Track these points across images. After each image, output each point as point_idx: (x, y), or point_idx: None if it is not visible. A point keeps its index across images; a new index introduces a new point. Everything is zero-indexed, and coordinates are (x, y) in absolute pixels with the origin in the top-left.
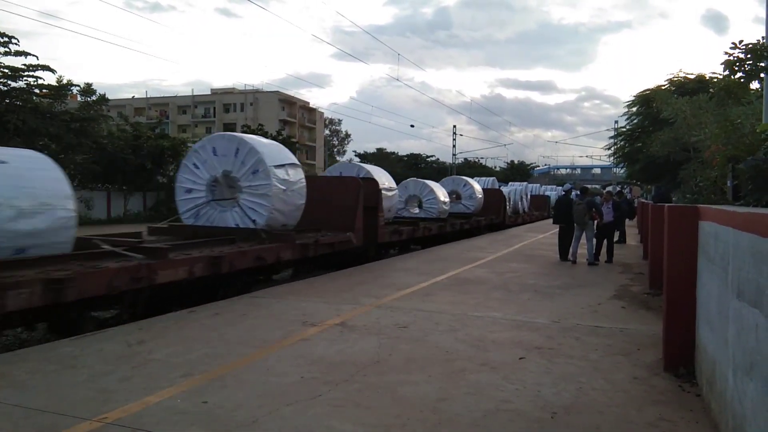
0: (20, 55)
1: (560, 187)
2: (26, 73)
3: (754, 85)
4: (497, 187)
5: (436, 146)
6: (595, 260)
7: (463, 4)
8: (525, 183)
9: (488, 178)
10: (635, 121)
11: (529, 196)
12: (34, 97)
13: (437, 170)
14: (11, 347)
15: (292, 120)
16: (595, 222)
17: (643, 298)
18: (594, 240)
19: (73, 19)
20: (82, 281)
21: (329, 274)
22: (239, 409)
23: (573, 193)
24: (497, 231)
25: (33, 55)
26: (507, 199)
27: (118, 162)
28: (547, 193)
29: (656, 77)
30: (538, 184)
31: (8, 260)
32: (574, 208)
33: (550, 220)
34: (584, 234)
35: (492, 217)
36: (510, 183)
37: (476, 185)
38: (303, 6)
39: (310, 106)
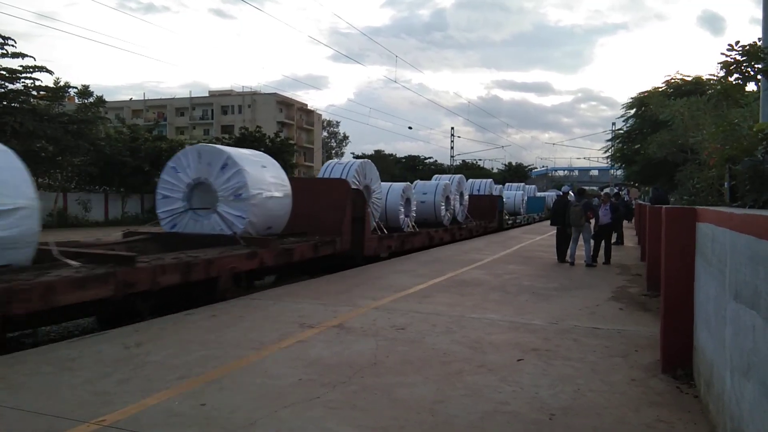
0: (17, 57)
1: (555, 191)
2: (23, 75)
3: (751, 87)
4: (495, 190)
5: (434, 148)
6: (593, 262)
7: (458, 6)
8: (522, 184)
9: (485, 181)
10: (632, 123)
11: (526, 198)
12: (32, 99)
13: (435, 172)
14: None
15: (290, 122)
16: (592, 223)
17: (641, 299)
18: (592, 242)
19: (70, 20)
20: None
21: (326, 277)
22: (236, 412)
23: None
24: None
25: (30, 57)
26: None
27: (116, 164)
28: (540, 194)
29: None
30: (534, 186)
31: None
32: (571, 209)
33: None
34: (581, 236)
35: (483, 222)
36: (507, 184)
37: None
38: (299, 7)
39: (308, 108)
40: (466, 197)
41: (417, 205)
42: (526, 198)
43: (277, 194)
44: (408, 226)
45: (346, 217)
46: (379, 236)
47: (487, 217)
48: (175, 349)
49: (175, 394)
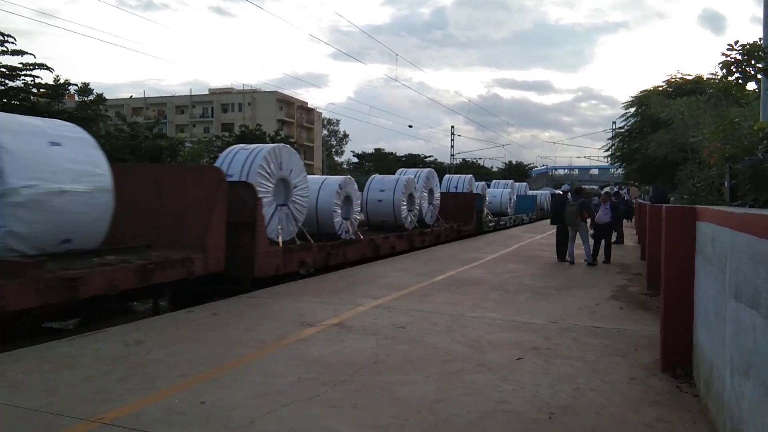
0: (17, 54)
1: (550, 189)
2: (23, 72)
3: (751, 86)
4: (475, 187)
5: (434, 147)
6: (593, 261)
7: (458, 4)
8: (511, 181)
9: (464, 177)
10: (632, 122)
11: (514, 198)
12: (32, 97)
13: (436, 171)
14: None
15: (290, 120)
16: (588, 221)
17: (641, 298)
18: (591, 240)
19: (70, 18)
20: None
21: (326, 275)
22: (237, 410)
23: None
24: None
25: (30, 54)
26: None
27: (116, 161)
28: (532, 193)
29: (653, 78)
30: (525, 183)
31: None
32: (567, 209)
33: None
34: (578, 234)
35: (457, 224)
36: (493, 181)
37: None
38: (300, 5)
39: (308, 106)
40: (437, 195)
41: (372, 205)
42: (514, 197)
43: (78, 188)
44: (348, 231)
45: (214, 221)
46: (286, 248)
47: (462, 218)
48: (175, 348)
49: (175, 392)
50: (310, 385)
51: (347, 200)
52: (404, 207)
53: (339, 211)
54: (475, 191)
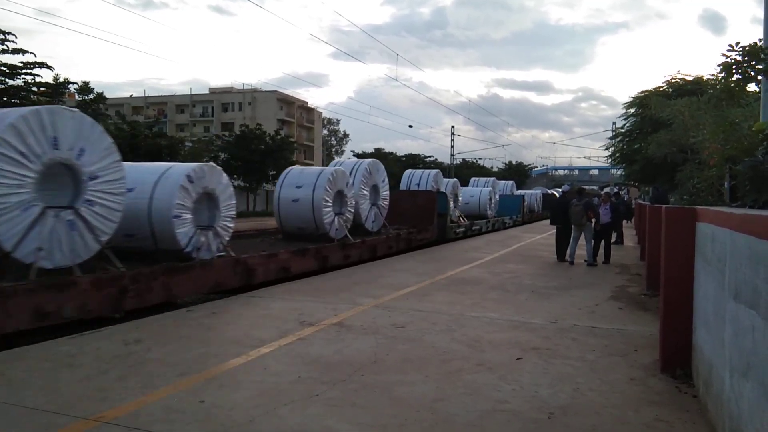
0: (17, 53)
1: (541, 188)
2: (24, 71)
3: (752, 87)
4: (441, 184)
5: (434, 146)
6: (593, 261)
7: (458, 3)
8: (492, 179)
9: (429, 171)
10: (632, 122)
11: (496, 198)
12: (32, 96)
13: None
14: None
15: (291, 120)
16: (593, 222)
17: (641, 299)
18: (592, 241)
19: (71, 17)
20: None
21: (326, 274)
22: (236, 409)
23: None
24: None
25: (30, 53)
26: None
27: None
28: (520, 192)
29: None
30: (511, 182)
31: None
32: (572, 209)
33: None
34: (582, 235)
35: (408, 231)
36: (472, 179)
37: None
38: (300, 5)
39: (309, 105)
40: (385, 194)
41: (287, 207)
42: (496, 197)
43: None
44: (202, 247)
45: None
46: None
47: (421, 222)
48: (174, 346)
49: (175, 391)
50: (309, 384)
51: (201, 200)
52: (328, 209)
53: (188, 217)
54: (444, 189)
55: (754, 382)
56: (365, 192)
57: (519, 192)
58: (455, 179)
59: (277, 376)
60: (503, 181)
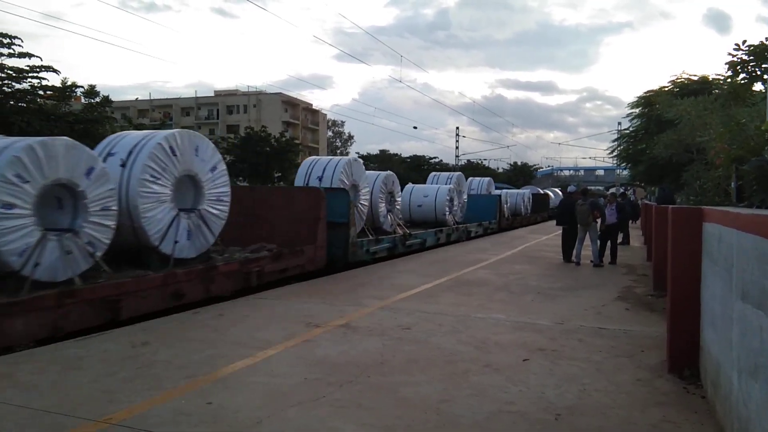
0: (24, 57)
1: (530, 187)
2: (30, 75)
3: (758, 86)
4: (361, 177)
5: (439, 148)
6: (599, 262)
7: (461, 4)
8: (455, 174)
9: (340, 159)
10: (638, 122)
11: (463, 199)
12: (39, 99)
13: (441, 172)
14: None
15: (295, 122)
16: (599, 222)
17: (647, 299)
18: (598, 241)
19: (77, 20)
20: None
21: (331, 276)
22: (243, 410)
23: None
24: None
25: (37, 57)
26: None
27: None
28: (498, 192)
29: (658, 78)
30: (488, 179)
31: None
32: (578, 209)
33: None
34: (588, 235)
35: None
36: (432, 174)
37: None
38: (303, 7)
39: (313, 107)
40: (221, 191)
41: None
42: (461, 198)
43: None
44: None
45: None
46: None
47: (299, 239)
48: (181, 348)
49: (182, 392)
50: (316, 385)
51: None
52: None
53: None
54: (362, 184)
55: (762, 382)
56: (166, 191)
57: (496, 192)
58: (387, 173)
59: (284, 378)
60: (479, 178)
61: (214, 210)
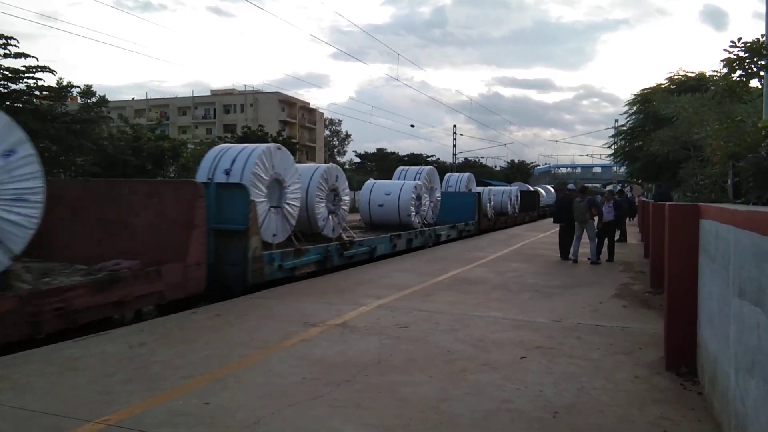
0: (20, 57)
1: (520, 184)
2: (26, 75)
3: (754, 83)
4: (264, 173)
5: (436, 146)
6: (596, 259)
7: (457, 2)
8: (425, 168)
9: (255, 147)
10: (635, 119)
11: (436, 197)
12: (35, 99)
13: (438, 170)
14: None
15: (293, 121)
16: (596, 219)
17: (645, 296)
18: (595, 239)
19: (73, 20)
20: None
21: (328, 275)
22: (241, 410)
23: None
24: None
25: (33, 57)
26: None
27: (119, 163)
28: (479, 188)
29: (656, 75)
30: (468, 174)
31: None
32: (575, 206)
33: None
34: (585, 232)
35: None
36: (399, 169)
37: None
38: (300, 5)
39: (310, 106)
40: (22, 185)
41: None
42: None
43: None
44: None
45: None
46: None
47: (169, 253)
48: (179, 349)
49: (180, 393)
50: (314, 385)
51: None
52: None
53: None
54: (289, 179)
55: (759, 379)
56: None
57: (477, 188)
58: (330, 165)
59: (282, 378)
60: (458, 174)
61: (12, 215)
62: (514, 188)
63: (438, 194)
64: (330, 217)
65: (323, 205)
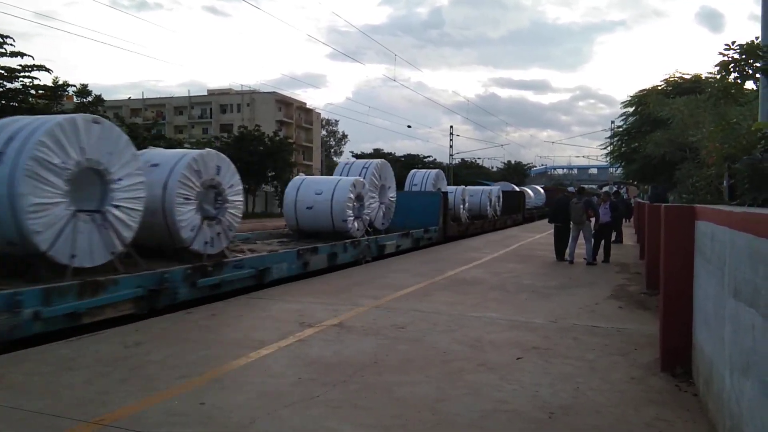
0: (16, 56)
1: (503, 183)
2: (22, 74)
3: (749, 85)
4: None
5: (433, 147)
6: (592, 260)
7: (454, 2)
8: (374, 161)
9: (45, 121)
10: (631, 121)
11: (389, 198)
12: (31, 98)
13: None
14: None
15: (289, 121)
16: (593, 221)
17: (640, 298)
18: (592, 240)
19: (69, 19)
20: None
21: (326, 275)
22: (237, 411)
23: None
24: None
25: (29, 56)
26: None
27: None
28: (451, 188)
29: (652, 76)
30: (436, 171)
31: None
32: (572, 207)
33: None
34: (582, 234)
35: None
36: (344, 163)
37: None
38: (297, 5)
39: (307, 106)
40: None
41: None
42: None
43: None
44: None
45: None
46: None
47: None
48: (174, 349)
49: (175, 393)
50: (310, 385)
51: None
52: None
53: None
54: (65, 161)
55: (754, 380)
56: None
57: (449, 188)
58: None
59: (278, 378)
60: (424, 171)
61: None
62: (495, 188)
63: (392, 194)
64: (204, 225)
65: (192, 208)
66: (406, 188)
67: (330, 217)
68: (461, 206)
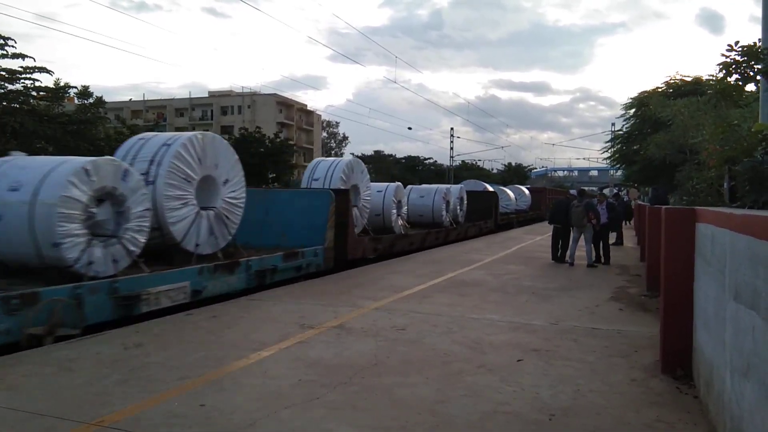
0: (17, 58)
1: (488, 183)
2: (23, 76)
3: (750, 87)
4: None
5: (433, 148)
6: (593, 262)
7: (454, 4)
8: (340, 160)
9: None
10: (632, 123)
11: (360, 204)
12: (32, 100)
13: (435, 173)
14: None
15: (290, 122)
16: (593, 224)
17: (641, 300)
18: (591, 242)
19: (70, 21)
20: None
21: (326, 277)
22: (237, 412)
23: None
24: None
25: (30, 57)
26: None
27: None
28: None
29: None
30: (348, 159)
31: None
32: (573, 210)
33: None
34: (582, 236)
35: None
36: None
37: None
38: (298, 7)
39: (308, 108)
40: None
41: None
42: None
43: None
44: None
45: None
46: None
47: None
48: (174, 350)
49: (175, 395)
50: (310, 387)
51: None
52: None
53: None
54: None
55: (754, 382)
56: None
57: (377, 186)
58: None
59: (278, 380)
60: (332, 159)
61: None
62: (455, 188)
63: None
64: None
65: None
66: (304, 183)
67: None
68: (393, 211)
